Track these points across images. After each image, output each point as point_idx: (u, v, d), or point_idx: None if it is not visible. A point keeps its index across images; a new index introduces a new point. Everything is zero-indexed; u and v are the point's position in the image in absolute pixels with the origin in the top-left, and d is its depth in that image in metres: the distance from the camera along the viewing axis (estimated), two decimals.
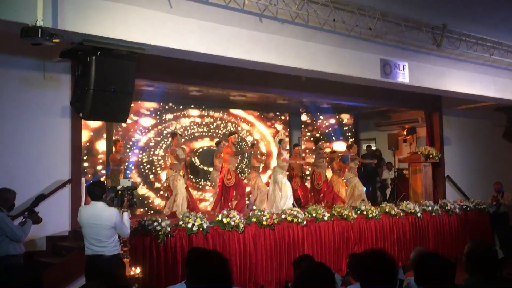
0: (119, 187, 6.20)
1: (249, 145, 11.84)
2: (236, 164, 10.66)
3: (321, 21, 8.32)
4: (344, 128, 15.13)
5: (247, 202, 11.39)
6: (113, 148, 10.16)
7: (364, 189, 12.09)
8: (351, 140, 14.63)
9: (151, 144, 11.77)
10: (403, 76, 10.09)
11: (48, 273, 6.95)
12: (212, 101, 12.46)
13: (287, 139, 11.16)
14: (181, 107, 12.33)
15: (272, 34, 8.20)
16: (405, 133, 14.36)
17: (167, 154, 10.93)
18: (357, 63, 9.38)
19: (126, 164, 10.15)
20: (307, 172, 12.98)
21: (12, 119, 7.81)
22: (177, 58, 7.87)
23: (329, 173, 12.11)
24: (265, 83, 10.14)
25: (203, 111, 12.74)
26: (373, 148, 14.92)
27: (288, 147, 11.46)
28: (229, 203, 10.22)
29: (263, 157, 11.88)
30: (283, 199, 10.33)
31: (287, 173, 11.00)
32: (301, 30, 8.34)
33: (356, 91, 11.08)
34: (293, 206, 10.06)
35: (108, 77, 6.79)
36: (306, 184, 12.28)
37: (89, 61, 6.66)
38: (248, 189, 11.28)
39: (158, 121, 11.95)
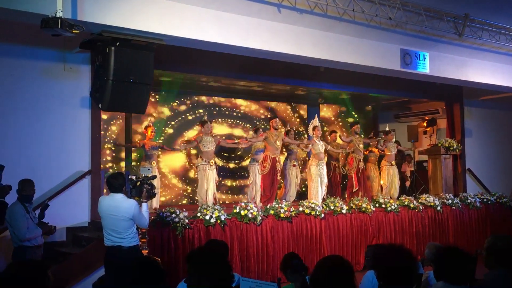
0: (138, 177, 6.20)
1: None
2: (278, 152, 10.04)
3: (340, 11, 8.23)
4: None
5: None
6: (146, 134, 10.04)
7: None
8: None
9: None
10: (424, 66, 9.96)
11: (68, 263, 7.04)
12: (230, 91, 12.44)
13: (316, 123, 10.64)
14: (195, 97, 12.31)
15: (291, 25, 8.15)
16: (425, 124, 14.16)
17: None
18: (377, 53, 9.29)
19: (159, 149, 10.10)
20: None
21: (32, 110, 7.88)
22: (196, 49, 7.87)
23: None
24: (284, 74, 10.08)
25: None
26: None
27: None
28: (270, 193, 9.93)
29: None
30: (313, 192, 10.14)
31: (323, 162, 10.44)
32: (320, 20, 8.26)
33: (376, 81, 10.95)
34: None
35: (127, 67, 6.81)
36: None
37: (108, 51, 6.69)
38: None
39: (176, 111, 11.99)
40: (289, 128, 11.18)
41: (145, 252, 6.31)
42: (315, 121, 10.70)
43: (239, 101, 12.91)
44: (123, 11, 6.64)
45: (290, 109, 13.95)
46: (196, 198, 9.34)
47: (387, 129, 12.01)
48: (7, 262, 6.67)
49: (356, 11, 8.19)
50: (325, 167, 10.40)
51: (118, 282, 4.97)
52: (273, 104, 13.52)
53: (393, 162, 11.50)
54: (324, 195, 10.21)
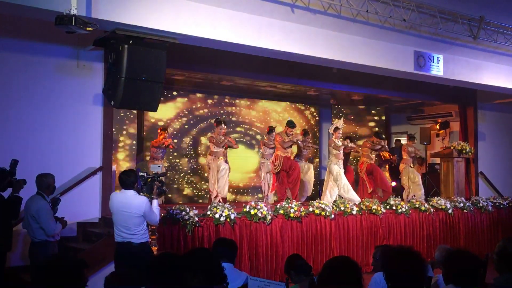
0: (149, 174, 6.24)
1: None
2: (290, 151, 10.20)
3: (354, 12, 8.20)
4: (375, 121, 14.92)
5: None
6: (160, 135, 10.10)
7: (393, 184, 11.95)
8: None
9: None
10: (438, 68, 9.89)
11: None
12: (242, 91, 12.46)
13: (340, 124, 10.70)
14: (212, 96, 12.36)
15: (304, 25, 8.13)
16: (438, 127, 14.07)
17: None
18: (390, 55, 9.24)
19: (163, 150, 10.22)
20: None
21: (46, 106, 7.95)
22: (208, 48, 7.89)
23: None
24: (296, 74, 10.08)
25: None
26: (403, 142, 14.65)
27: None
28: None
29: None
30: (339, 190, 10.17)
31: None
32: (333, 21, 8.24)
33: (389, 83, 10.92)
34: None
35: (140, 65, 6.85)
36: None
37: (121, 49, 6.73)
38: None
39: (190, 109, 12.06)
40: (306, 131, 11.30)
41: (154, 249, 6.35)
42: (339, 123, 10.61)
43: (252, 101, 12.99)
44: (137, 9, 6.68)
45: (302, 110, 13.93)
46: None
47: (413, 133, 12.13)
48: (23, 257, 6.75)
49: (370, 12, 8.15)
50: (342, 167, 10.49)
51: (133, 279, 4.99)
52: (284, 104, 13.56)
53: (412, 165, 11.65)
54: (337, 195, 10.24)
